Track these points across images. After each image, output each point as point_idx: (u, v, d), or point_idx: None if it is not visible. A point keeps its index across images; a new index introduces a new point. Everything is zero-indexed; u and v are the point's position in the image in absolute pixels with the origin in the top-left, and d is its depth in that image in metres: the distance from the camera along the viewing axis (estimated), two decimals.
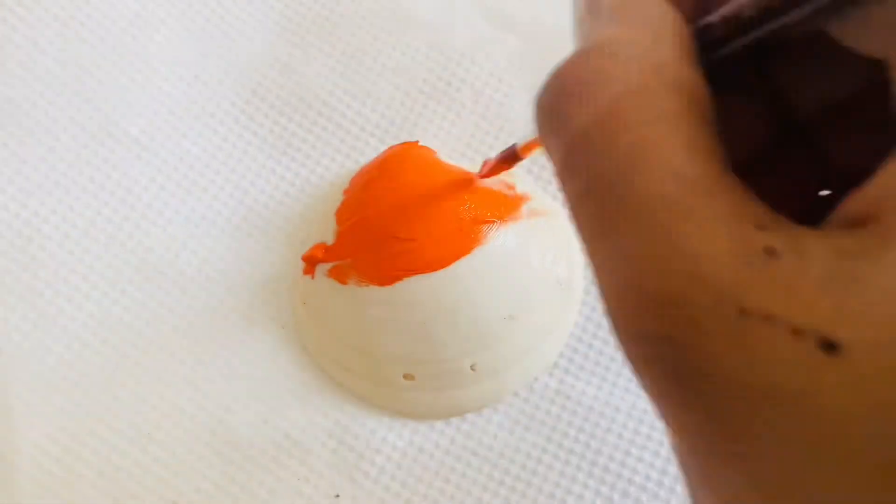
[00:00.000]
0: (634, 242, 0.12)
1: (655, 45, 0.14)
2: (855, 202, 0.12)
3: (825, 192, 0.16)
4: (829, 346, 0.10)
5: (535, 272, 0.32)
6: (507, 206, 0.32)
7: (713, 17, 0.14)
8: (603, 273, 0.13)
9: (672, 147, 0.12)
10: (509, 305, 0.31)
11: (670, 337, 0.12)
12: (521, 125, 0.36)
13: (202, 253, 0.34)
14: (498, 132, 0.36)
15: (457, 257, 0.30)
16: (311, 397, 0.32)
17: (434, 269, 0.30)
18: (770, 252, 0.11)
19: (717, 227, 0.12)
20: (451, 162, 0.34)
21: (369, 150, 0.36)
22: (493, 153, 0.36)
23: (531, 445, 0.31)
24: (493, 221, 0.31)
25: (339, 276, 0.31)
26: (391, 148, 0.34)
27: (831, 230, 0.12)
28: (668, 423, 0.12)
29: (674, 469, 0.31)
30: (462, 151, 0.36)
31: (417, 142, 0.35)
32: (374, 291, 0.31)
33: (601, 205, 0.13)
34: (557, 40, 0.37)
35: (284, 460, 0.31)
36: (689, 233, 0.12)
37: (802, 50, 0.15)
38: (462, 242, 0.30)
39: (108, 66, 0.36)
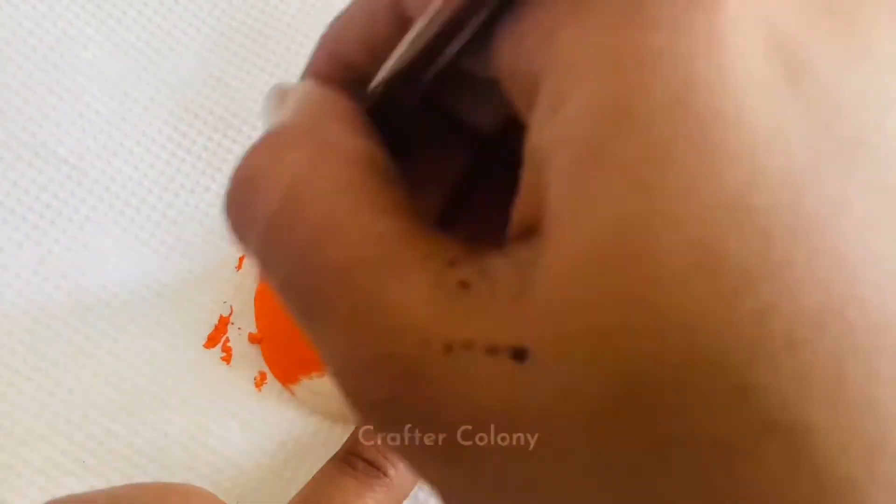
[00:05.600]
0: (341, 313, 0.12)
1: (321, 125, 0.14)
2: (520, 210, 0.12)
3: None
4: (519, 355, 0.11)
5: None
6: None
7: (375, 83, 0.15)
8: (325, 353, 0.12)
9: (355, 213, 0.12)
10: None
11: (393, 396, 0.12)
12: None
13: (136, 275, 0.33)
14: None
15: None
16: (251, 417, 0.32)
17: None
18: (463, 285, 0.12)
19: (410, 275, 0.12)
20: None
21: None
22: None
23: None
24: None
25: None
26: None
27: (511, 245, 0.12)
28: (429, 485, 0.12)
29: None
30: None
31: None
32: None
33: (302, 284, 0.12)
34: None
35: (222, 483, 0.30)
36: (386, 287, 0.12)
37: (462, 79, 0.15)
38: None
39: (34, 85, 0.35)
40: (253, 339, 0.33)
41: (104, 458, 0.30)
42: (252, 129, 0.36)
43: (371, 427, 0.13)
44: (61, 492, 0.26)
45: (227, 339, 0.33)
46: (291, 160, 0.13)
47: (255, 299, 0.33)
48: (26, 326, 0.32)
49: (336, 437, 0.31)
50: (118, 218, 0.34)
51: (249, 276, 0.34)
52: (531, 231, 0.11)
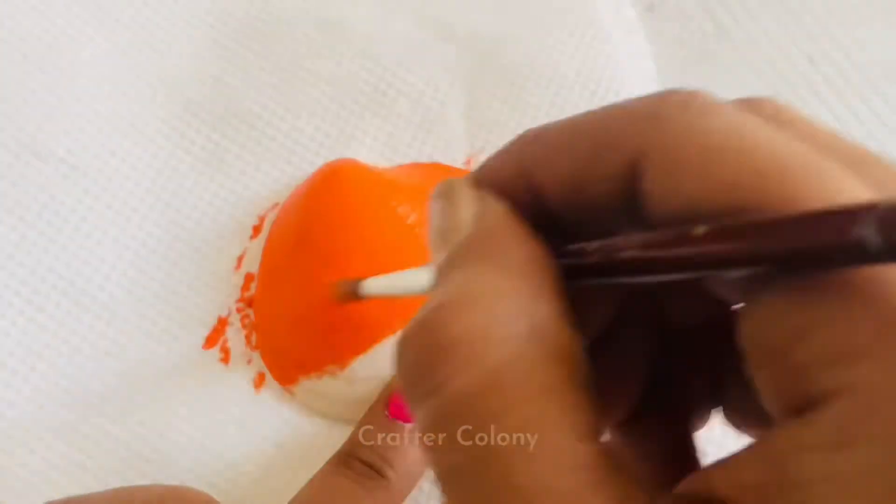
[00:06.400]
0: None
1: (533, 299, 0.13)
2: (701, 484, 0.12)
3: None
4: None
5: None
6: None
7: (590, 251, 0.14)
8: None
9: (558, 431, 0.12)
10: None
11: None
12: (458, 133, 0.36)
13: (132, 274, 0.33)
14: (436, 141, 0.36)
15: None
16: (250, 419, 0.31)
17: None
18: None
19: None
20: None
21: (305, 164, 0.35)
22: (431, 162, 0.36)
23: None
24: None
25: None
26: (324, 181, 0.33)
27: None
28: None
29: None
30: (399, 162, 0.36)
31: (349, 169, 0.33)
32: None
33: (480, 485, 0.12)
34: (494, 47, 0.37)
35: (220, 485, 0.30)
36: None
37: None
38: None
39: (32, 84, 0.35)
40: (250, 343, 0.33)
41: (102, 459, 0.30)
42: (250, 129, 0.35)
43: None
44: (59, 494, 0.26)
45: (226, 340, 0.33)
46: (497, 338, 0.12)
47: (255, 300, 0.33)
48: (22, 327, 0.32)
49: (335, 438, 0.31)
50: (116, 217, 0.34)
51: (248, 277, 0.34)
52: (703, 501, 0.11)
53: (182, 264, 0.33)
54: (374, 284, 0.24)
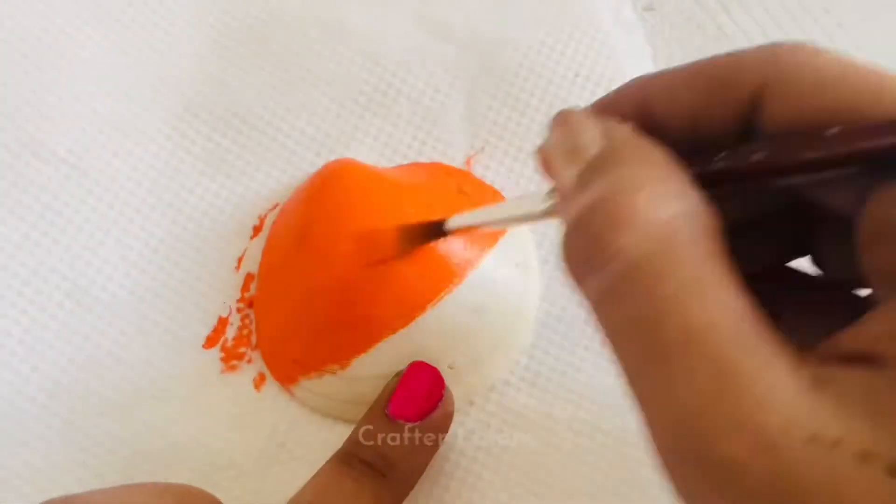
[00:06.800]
0: (691, 367, 0.13)
1: (684, 187, 0.15)
2: (852, 340, 0.13)
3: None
4: (893, 471, 0.12)
5: (494, 263, 0.32)
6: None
7: (719, 160, 0.16)
8: (653, 401, 0.14)
9: (718, 284, 0.14)
10: (474, 300, 0.31)
11: (737, 460, 0.12)
12: (458, 134, 0.36)
13: (135, 275, 0.33)
14: (435, 142, 0.36)
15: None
16: (250, 418, 0.31)
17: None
18: (818, 383, 0.13)
19: (770, 356, 0.13)
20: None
21: (305, 164, 0.35)
22: (431, 162, 0.36)
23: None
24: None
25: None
26: (324, 180, 0.33)
27: (847, 365, 0.13)
28: None
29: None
30: (399, 162, 0.36)
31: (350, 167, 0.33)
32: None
33: (652, 332, 0.13)
34: (494, 48, 0.37)
35: (222, 483, 0.30)
36: (746, 358, 0.13)
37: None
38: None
39: (33, 84, 0.35)
40: (250, 342, 0.33)
41: (103, 458, 0.30)
42: (251, 129, 0.36)
43: (679, 482, 0.13)
44: (60, 492, 0.26)
45: (226, 340, 0.33)
46: (667, 211, 0.14)
47: (255, 300, 0.33)
48: (25, 327, 0.32)
49: (335, 438, 0.31)
50: (118, 218, 0.34)
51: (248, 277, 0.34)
52: (858, 359, 0.13)
53: (183, 264, 0.33)
54: (465, 218, 0.26)
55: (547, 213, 0.19)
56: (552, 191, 0.19)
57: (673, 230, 0.14)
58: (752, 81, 0.16)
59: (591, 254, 0.15)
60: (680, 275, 0.14)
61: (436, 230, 0.27)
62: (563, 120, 0.17)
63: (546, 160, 0.18)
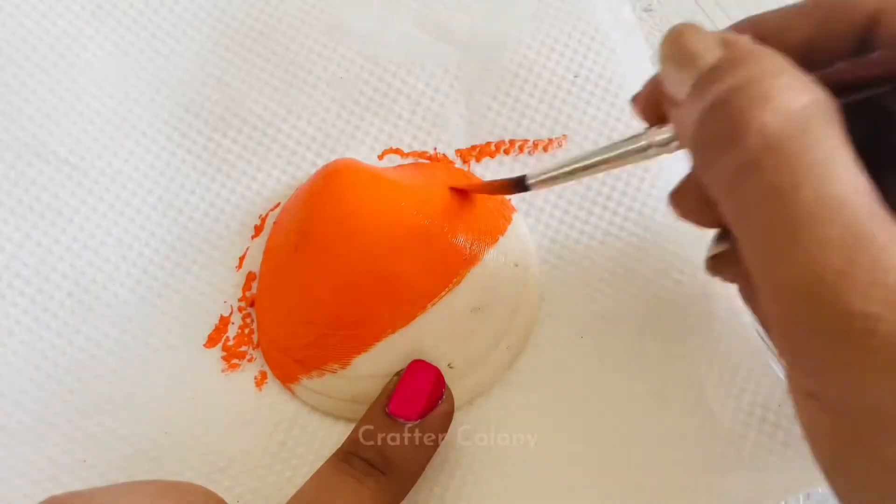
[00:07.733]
0: (831, 234, 0.14)
1: (811, 83, 0.16)
2: None
3: None
4: None
5: (494, 262, 0.32)
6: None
7: (838, 69, 0.18)
8: (783, 266, 0.15)
9: (848, 162, 0.15)
10: (473, 299, 0.31)
11: (872, 314, 0.14)
12: (458, 134, 0.36)
13: (136, 275, 0.33)
14: (436, 143, 0.36)
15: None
16: (252, 416, 0.32)
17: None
18: None
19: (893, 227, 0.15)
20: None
21: (306, 165, 0.35)
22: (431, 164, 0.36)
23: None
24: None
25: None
26: (326, 178, 0.33)
27: None
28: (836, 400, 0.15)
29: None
30: (399, 162, 0.36)
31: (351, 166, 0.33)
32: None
33: (794, 201, 0.15)
34: (494, 49, 0.37)
35: (223, 482, 0.30)
36: (883, 234, 0.14)
37: None
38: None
39: (34, 85, 0.35)
40: (252, 341, 0.33)
41: (105, 457, 0.31)
42: (252, 130, 0.36)
43: (802, 341, 0.15)
44: (62, 491, 0.26)
45: (228, 339, 0.33)
46: (803, 97, 0.16)
47: (256, 299, 0.33)
48: (27, 326, 0.32)
49: (336, 436, 0.31)
50: (118, 218, 0.34)
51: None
52: None
53: (184, 264, 0.34)
54: (550, 171, 0.27)
55: (649, 147, 0.21)
56: (646, 131, 0.21)
57: (811, 113, 0.15)
58: (869, 8, 0.18)
59: (732, 129, 0.16)
60: (818, 151, 0.15)
61: (518, 184, 0.29)
62: (678, 34, 0.19)
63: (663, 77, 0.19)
